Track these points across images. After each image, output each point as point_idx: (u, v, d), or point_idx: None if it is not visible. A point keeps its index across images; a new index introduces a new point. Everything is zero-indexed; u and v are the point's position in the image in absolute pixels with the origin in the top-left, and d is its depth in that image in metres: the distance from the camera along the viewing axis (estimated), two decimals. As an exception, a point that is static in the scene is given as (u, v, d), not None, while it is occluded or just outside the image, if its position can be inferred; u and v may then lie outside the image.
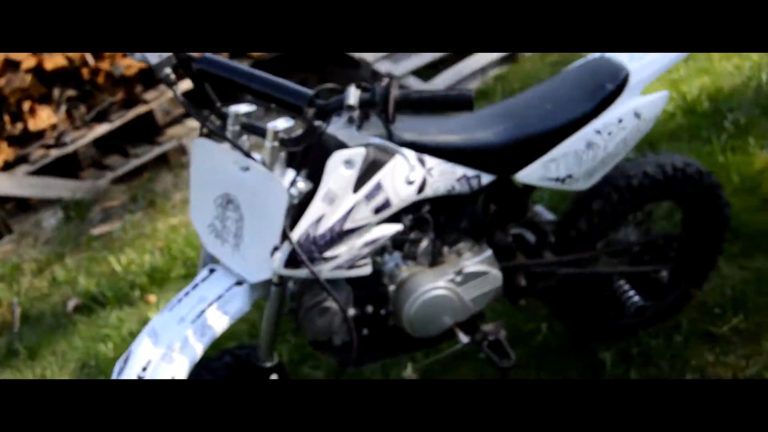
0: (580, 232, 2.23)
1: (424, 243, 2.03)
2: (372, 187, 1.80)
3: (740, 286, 2.64)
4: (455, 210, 2.04)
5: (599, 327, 2.47)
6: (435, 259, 2.06)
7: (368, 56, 4.56)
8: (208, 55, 1.76)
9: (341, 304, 1.85)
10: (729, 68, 4.00)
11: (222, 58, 1.76)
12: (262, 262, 1.78)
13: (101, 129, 4.48)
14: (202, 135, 1.81)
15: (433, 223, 2.03)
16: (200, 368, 1.98)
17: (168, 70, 1.71)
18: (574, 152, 2.01)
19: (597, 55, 2.12)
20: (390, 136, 1.83)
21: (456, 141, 1.91)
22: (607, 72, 2.03)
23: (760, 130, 3.42)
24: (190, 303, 1.85)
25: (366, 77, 4.71)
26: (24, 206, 4.44)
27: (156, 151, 4.62)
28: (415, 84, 4.43)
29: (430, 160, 1.88)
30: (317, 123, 1.63)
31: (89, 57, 4.36)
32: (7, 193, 4.28)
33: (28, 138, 4.34)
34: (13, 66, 4.12)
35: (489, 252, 2.09)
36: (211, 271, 1.93)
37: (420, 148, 1.87)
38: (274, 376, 2.06)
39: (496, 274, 2.09)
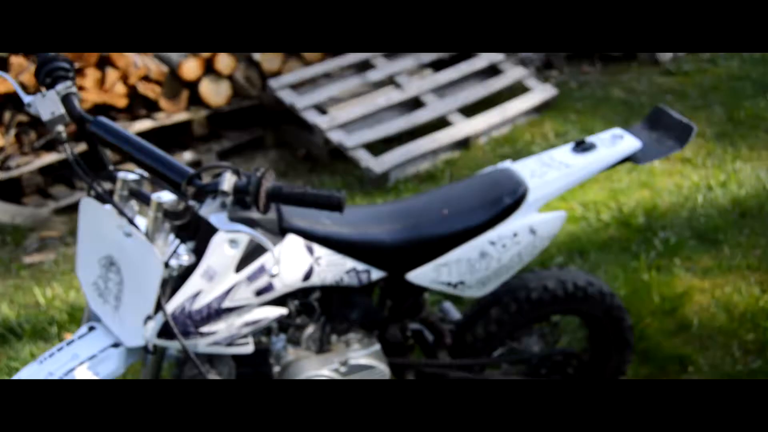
0: (476, 338, 2.25)
1: (310, 329, 2.04)
2: (255, 269, 1.81)
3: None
4: (346, 300, 2.05)
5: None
6: (322, 347, 2.07)
7: (323, 124, 4.62)
8: (101, 118, 1.78)
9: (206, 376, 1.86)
10: (669, 185, 4.09)
11: (114, 124, 1.78)
12: (138, 328, 1.78)
13: (49, 158, 4.46)
14: (90, 195, 1.82)
15: (323, 311, 2.05)
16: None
17: (60, 128, 1.73)
18: (467, 260, 2.03)
19: (503, 165, 2.17)
20: (280, 222, 1.86)
21: (347, 234, 1.94)
22: (507, 185, 2.07)
23: (688, 252, 3.48)
24: (62, 359, 1.84)
25: (318, 143, 4.78)
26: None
27: (110, 185, 4.60)
28: (365, 158, 4.47)
29: (319, 250, 1.90)
30: (191, 203, 1.65)
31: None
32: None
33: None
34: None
35: (377, 346, 2.10)
36: (91, 328, 1.92)
37: (310, 236, 1.89)
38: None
39: (382, 369, 2.09)
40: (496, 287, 2.14)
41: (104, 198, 1.74)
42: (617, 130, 2.20)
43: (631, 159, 2.16)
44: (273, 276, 1.75)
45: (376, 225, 1.98)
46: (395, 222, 2.00)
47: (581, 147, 2.15)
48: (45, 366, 1.82)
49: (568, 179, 2.10)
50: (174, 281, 1.76)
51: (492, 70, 5.35)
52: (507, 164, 2.19)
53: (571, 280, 2.28)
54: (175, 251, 1.72)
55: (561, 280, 2.27)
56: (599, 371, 2.50)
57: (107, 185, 1.82)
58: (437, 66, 5.39)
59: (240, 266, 1.80)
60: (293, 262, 1.86)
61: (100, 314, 1.88)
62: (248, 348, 1.91)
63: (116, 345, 1.86)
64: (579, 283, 2.28)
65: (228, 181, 1.59)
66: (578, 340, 2.72)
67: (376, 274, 1.99)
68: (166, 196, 1.69)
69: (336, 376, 2.03)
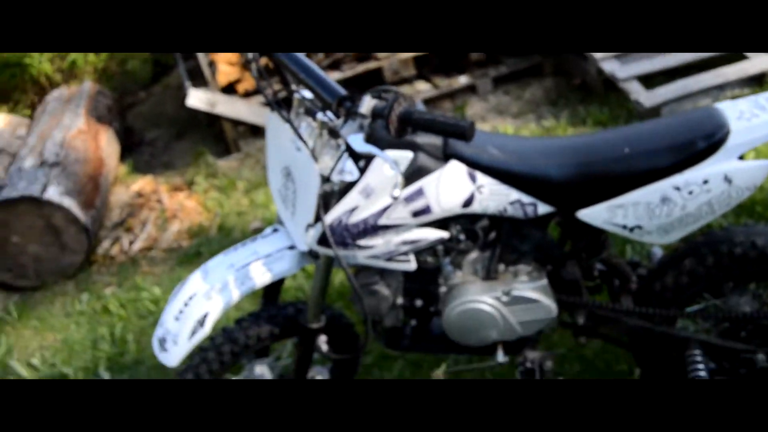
0: (665, 287, 2.11)
1: (473, 255, 2.06)
2: (413, 191, 1.86)
3: None
4: (517, 231, 2.03)
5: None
6: (489, 274, 2.08)
7: (598, 54, 4.41)
8: None
9: (386, 291, 2.00)
10: None
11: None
12: (303, 234, 1.94)
13: (333, 76, 4.81)
14: (274, 109, 1.98)
15: (490, 239, 2.05)
16: (262, 312, 2.22)
17: (252, 54, 1.90)
18: (647, 203, 1.89)
19: (708, 107, 1.95)
20: (444, 147, 1.88)
21: (513, 164, 1.90)
22: (705, 126, 1.86)
23: None
24: (244, 253, 2.08)
25: (592, 72, 4.58)
26: (255, 130, 4.97)
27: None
28: (636, 90, 4.21)
29: (482, 178, 1.90)
30: (337, 122, 1.74)
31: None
32: (242, 118, 4.82)
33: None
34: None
35: (545, 281, 2.06)
36: (275, 230, 2.14)
37: (473, 164, 1.89)
38: (322, 337, 2.24)
39: (548, 304, 2.05)
40: (683, 236, 1.97)
41: (281, 114, 1.89)
42: None
43: None
44: (394, 198, 1.78)
45: (546, 157, 1.92)
46: (569, 156, 1.92)
47: None
48: (228, 258, 2.07)
49: None
50: (337, 195, 1.87)
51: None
52: (718, 104, 1.97)
53: None
54: (336, 167, 1.82)
55: None
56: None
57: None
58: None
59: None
60: (454, 187, 1.88)
61: (283, 218, 2.08)
62: (410, 265, 1.99)
63: (292, 248, 2.05)
64: None
65: (367, 104, 1.67)
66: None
67: (543, 209, 1.94)
68: (329, 116, 1.79)
69: (498, 305, 2.04)
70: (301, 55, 1.90)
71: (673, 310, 2.13)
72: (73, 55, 5.79)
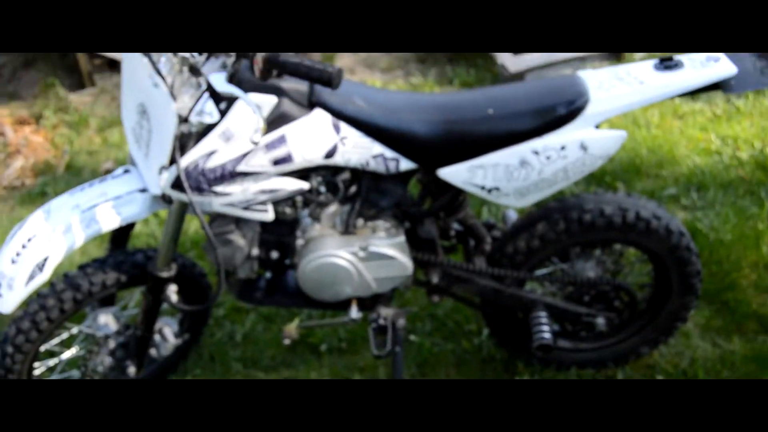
0: (517, 250, 2.16)
1: (332, 208, 2.03)
2: (275, 138, 1.81)
3: (699, 364, 2.47)
4: (377, 186, 2.02)
5: (520, 346, 2.40)
6: (347, 229, 2.06)
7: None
8: None
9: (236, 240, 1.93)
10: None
11: None
12: (156, 177, 1.85)
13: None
14: None
15: (351, 193, 2.02)
16: (108, 258, 2.11)
17: None
18: (506, 165, 1.92)
19: (571, 75, 2.00)
20: (309, 95, 1.83)
21: (378, 117, 1.87)
22: (566, 93, 1.90)
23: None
24: (91, 194, 1.96)
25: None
26: (112, 64, 4.71)
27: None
28: (502, 54, 4.28)
29: (347, 130, 1.86)
30: (194, 58, 1.65)
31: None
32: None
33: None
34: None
35: (401, 238, 2.06)
36: (126, 171, 2.03)
37: (337, 114, 1.85)
38: (172, 287, 2.16)
39: (404, 261, 2.06)
40: (538, 200, 2.02)
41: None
42: (718, 54, 1.95)
43: (721, 86, 1.92)
44: (254, 143, 1.73)
45: (412, 113, 1.90)
46: (434, 113, 1.91)
47: (666, 64, 1.93)
48: (74, 198, 1.94)
49: (638, 96, 1.90)
50: (195, 137, 1.79)
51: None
52: (580, 72, 2.01)
53: (634, 208, 2.10)
54: (195, 107, 1.74)
55: (622, 207, 2.10)
56: (653, 313, 2.34)
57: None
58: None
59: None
60: (316, 137, 1.84)
61: (136, 159, 1.97)
62: (268, 215, 1.94)
63: (144, 191, 1.95)
64: (642, 213, 2.10)
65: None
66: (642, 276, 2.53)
67: (406, 164, 1.93)
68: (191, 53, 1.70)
69: (354, 260, 2.02)
70: None
71: (523, 273, 2.19)
72: None
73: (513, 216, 2.45)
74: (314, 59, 1.58)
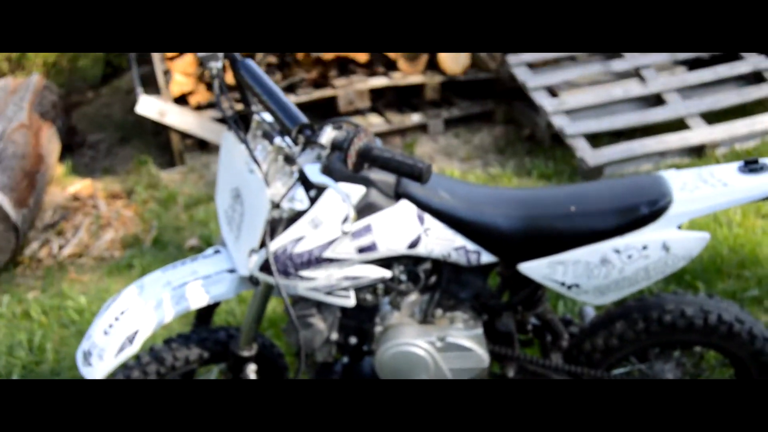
0: (595, 348, 2.15)
1: (412, 297, 2.07)
2: (361, 227, 1.87)
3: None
4: (457, 278, 2.05)
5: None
6: (426, 318, 2.09)
7: (548, 106, 4.53)
8: (248, 61, 1.92)
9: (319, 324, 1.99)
10: None
11: (257, 68, 1.91)
12: (246, 259, 1.92)
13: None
14: (232, 128, 1.97)
15: (431, 283, 2.06)
16: (192, 334, 2.18)
17: (213, 64, 1.88)
18: (586, 263, 1.93)
19: (654, 174, 2.02)
20: (396, 186, 1.89)
21: (461, 211, 1.92)
22: (649, 193, 1.92)
23: None
24: (182, 272, 2.04)
25: (542, 125, 4.68)
26: (202, 145, 4.93)
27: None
28: (582, 147, 4.32)
29: (430, 221, 1.91)
30: (291, 149, 1.74)
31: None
32: (191, 131, 4.77)
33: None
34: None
35: (479, 330, 2.08)
36: (216, 251, 2.11)
37: (422, 205, 1.91)
38: (251, 366, 2.21)
39: (481, 354, 2.07)
40: (618, 299, 2.01)
41: (237, 135, 1.88)
42: None
43: None
44: (345, 232, 1.79)
45: (495, 207, 1.94)
46: (516, 208, 1.95)
47: (750, 167, 1.94)
48: (166, 275, 2.03)
49: (722, 199, 1.90)
50: (285, 223, 1.87)
51: (755, 77, 4.89)
52: (663, 172, 2.03)
53: (716, 311, 2.08)
54: (287, 194, 1.81)
55: (704, 308, 2.08)
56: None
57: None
58: (693, 65, 5.04)
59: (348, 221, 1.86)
60: (401, 227, 1.90)
61: (227, 240, 2.05)
62: (349, 301, 1.99)
63: (232, 271, 2.03)
64: (725, 316, 2.08)
65: (327, 135, 1.67)
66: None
67: (487, 258, 1.96)
68: (287, 142, 1.79)
69: (431, 349, 2.04)
70: (265, 76, 1.89)
71: (600, 371, 2.17)
72: (22, 47, 5.67)
73: (591, 313, 2.44)
74: (400, 151, 1.65)
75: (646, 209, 1.90)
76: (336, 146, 1.66)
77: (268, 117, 1.93)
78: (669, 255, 1.93)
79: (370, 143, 1.64)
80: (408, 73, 5.04)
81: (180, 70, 4.72)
